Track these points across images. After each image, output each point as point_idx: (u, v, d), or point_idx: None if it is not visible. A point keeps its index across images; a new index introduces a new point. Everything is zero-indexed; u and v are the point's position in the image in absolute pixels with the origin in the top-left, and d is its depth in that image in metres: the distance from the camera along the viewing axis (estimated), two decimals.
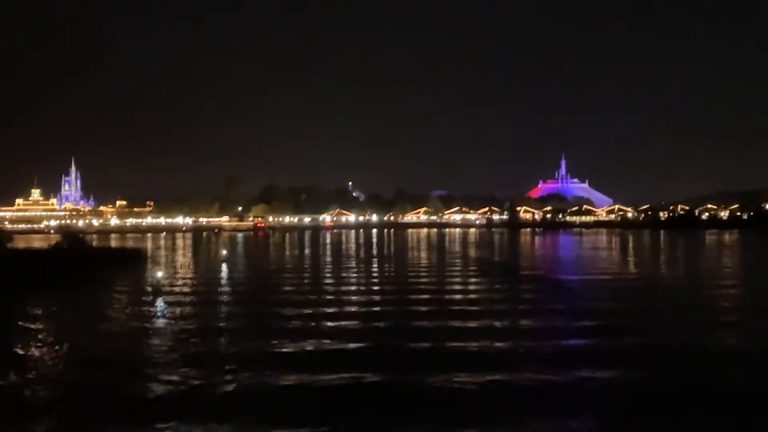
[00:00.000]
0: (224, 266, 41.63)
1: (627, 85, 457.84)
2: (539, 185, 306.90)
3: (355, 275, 35.44)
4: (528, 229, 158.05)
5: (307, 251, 63.57)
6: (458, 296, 25.75)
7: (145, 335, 17.44)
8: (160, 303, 23.77)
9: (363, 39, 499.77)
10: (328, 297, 25.40)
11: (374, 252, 60.59)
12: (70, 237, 45.12)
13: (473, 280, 32.55)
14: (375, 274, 36.30)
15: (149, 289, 28.33)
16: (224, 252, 57.20)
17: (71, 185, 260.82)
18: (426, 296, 25.24)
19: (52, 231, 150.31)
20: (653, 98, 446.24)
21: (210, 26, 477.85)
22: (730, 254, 53.37)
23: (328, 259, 50.79)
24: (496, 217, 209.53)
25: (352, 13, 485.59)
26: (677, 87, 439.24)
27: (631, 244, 73.86)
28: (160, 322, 19.72)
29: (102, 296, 26.28)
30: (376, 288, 28.87)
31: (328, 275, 35.88)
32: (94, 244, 65.93)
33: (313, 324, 18.66)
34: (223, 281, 32.93)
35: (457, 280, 32.62)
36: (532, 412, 10.49)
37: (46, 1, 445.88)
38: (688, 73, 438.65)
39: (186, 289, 28.53)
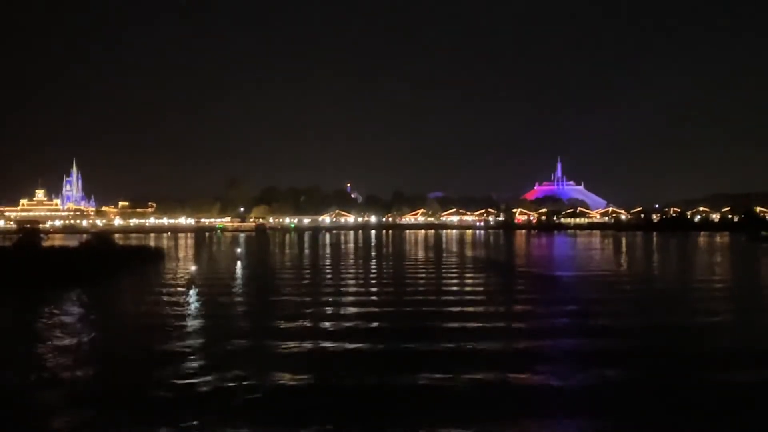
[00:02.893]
0: (238, 261, 46.14)
1: (622, 89, 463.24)
2: (535, 187, 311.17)
3: (363, 268, 39.59)
4: (523, 231, 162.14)
5: (313, 250, 67.50)
6: (453, 287, 29.86)
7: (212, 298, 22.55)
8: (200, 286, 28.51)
9: (362, 41, 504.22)
10: (344, 283, 29.74)
11: (377, 250, 64.65)
12: (99, 236, 49.04)
13: (468, 274, 36.77)
14: (381, 267, 40.46)
15: (188, 277, 33.15)
16: (228, 248, 61.41)
17: (72, 186, 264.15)
18: (422, 283, 29.71)
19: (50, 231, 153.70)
20: (649, 102, 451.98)
21: (211, 27, 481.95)
22: (712, 255, 57.48)
23: (335, 256, 54.80)
24: (492, 218, 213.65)
25: (352, 16, 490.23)
26: (672, 91, 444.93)
27: (616, 245, 78.06)
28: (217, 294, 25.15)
29: (152, 284, 30.90)
30: (380, 276, 33.22)
31: (338, 268, 39.94)
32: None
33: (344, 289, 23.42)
34: (241, 272, 37.22)
35: (453, 273, 36.83)
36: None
37: (49, 3, 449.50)
38: (683, 77, 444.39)
39: (218, 277, 33.48)
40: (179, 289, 28.19)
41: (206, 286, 29.10)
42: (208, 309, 22.48)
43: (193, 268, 36.98)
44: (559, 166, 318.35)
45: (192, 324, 19.25)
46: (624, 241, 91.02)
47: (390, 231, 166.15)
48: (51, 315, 20.92)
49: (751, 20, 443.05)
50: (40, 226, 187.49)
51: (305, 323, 18.98)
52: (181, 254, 58.33)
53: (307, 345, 15.68)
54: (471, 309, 21.85)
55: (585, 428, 10.00)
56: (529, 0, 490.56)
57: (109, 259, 37.78)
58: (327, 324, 18.77)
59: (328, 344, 15.82)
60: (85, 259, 35.59)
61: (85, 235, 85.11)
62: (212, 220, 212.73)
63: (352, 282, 31.49)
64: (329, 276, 35.16)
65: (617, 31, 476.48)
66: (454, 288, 29.00)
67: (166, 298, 24.93)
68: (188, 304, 23.68)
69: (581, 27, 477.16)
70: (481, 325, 18.58)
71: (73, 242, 53.72)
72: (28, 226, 43.45)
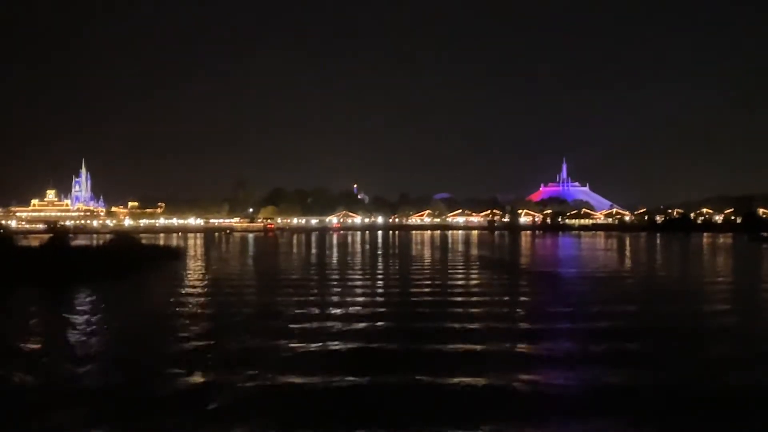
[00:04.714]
0: (251, 259, 48.91)
1: (627, 91, 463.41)
2: (540, 189, 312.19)
3: (375, 264, 42.16)
4: (528, 232, 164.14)
5: (320, 249, 70.04)
6: (459, 282, 32.32)
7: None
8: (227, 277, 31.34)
9: (365, 43, 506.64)
10: (357, 276, 32.26)
11: (388, 250, 67.23)
12: (122, 235, 51.70)
13: (473, 271, 39.32)
14: (392, 263, 43.09)
15: (209, 272, 36.12)
16: (242, 248, 64.37)
17: (81, 186, 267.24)
18: (428, 280, 32.38)
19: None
20: (654, 104, 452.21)
21: (215, 28, 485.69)
22: (714, 255, 59.67)
23: (345, 254, 57.37)
24: (498, 219, 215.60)
25: (355, 18, 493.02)
26: (676, 93, 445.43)
27: (616, 246, 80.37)
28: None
29: (181, 277, 33.86)
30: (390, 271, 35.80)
31: (350, 264, 42.49)
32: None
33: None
34: (258, 268, 39.91)
35: (459, 270, 39.34)
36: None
37: (55, 3, 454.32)
38: (686, 80, 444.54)
39: (236, 270, 36.36)
40: (207, 280, 31.39)
41: (227, 279, 32.00)
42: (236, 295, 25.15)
43: (215, 264, 39.63)
44: (564, 167, 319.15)
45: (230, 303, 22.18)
46: (631, 242, 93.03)
47: (397, 231, 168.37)
48: (112, 303, 24.11)
49: (752, 24, 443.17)
50: (50, 226, 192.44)
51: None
52: (197, 252, 61.12)
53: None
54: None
55: None
56: (535, 1, 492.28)
57: (137, 256, 40.33)
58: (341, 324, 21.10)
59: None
60: (115, 256, 38.15)
61: (95, 235, 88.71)
62: (221, 220, 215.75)
63: (375, 278, 33.90)
64: (347, 273, 37.56)
65: (622, 33, 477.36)
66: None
67: (198, 289, 27.74)
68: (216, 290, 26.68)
69: (587, 28, 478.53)
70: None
71: (89, 242, 56.51)
72: (57, 225, 45.95)
